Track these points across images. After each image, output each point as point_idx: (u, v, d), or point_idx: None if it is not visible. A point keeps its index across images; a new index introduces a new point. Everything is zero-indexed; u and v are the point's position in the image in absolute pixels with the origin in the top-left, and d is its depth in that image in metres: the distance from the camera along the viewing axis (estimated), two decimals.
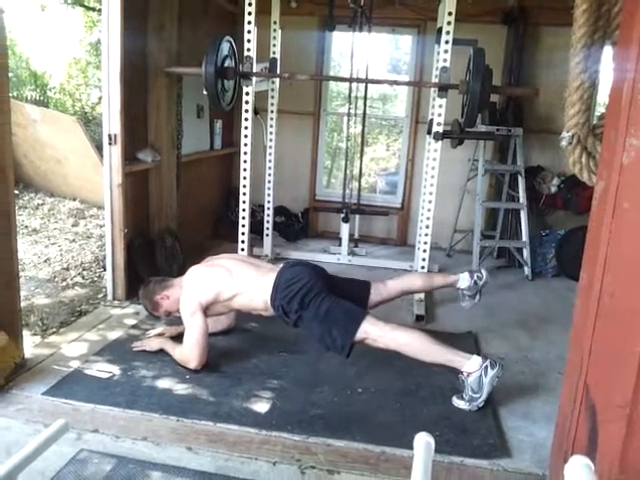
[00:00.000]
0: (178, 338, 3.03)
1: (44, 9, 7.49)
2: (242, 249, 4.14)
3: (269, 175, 4.98)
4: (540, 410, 2.70)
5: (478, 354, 2.72)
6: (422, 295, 3.98)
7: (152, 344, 3.06)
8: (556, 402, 2.23)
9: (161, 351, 3.01)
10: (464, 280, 3.22)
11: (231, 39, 3.93)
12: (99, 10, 5.06)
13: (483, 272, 3.26)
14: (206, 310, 2.89)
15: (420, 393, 2.81)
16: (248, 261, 3.13)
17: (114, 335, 3.26)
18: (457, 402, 2.66)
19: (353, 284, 3.13)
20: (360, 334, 2.65)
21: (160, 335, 3.18)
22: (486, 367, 2.59)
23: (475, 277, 3.22)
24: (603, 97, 4.54)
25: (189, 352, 2.83)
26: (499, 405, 2.74)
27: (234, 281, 2.90)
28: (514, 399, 2.80)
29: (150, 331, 3.26)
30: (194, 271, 3.02)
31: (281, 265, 3.00)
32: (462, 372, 2.63)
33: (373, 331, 2.65)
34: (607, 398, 1.75)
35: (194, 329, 2.82)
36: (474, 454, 2.32)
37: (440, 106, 3.78)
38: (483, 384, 2.58)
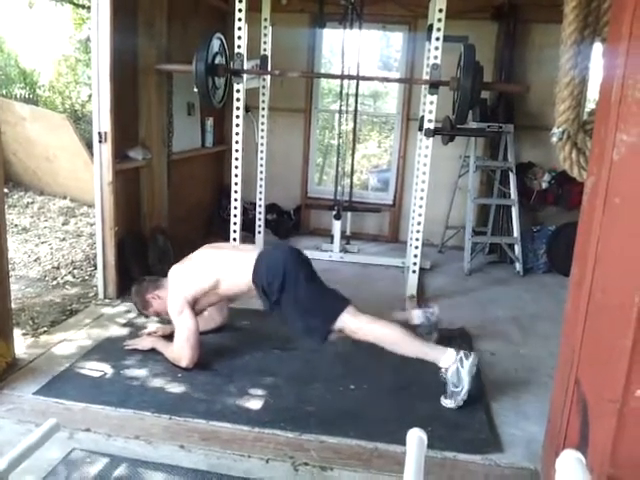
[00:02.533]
0: (171, 337, 3.02)
1: (32, 6, 7.43)
2: (234, 246, 4.12)
3: (261, 172, 4.96)
4: (532, 405, 2.72)
5: (471, 351, 2.72)
6: (414, 291, 3.99)
7: (144, 343, 3.05)
8: (548, 397, 2.25)
9: (153, 350, 3.00)
10: (417, 317, 3.20)
11: (222, 36, 3.91)
12: (88, 7, 5.02)
13: (435, 308, 3.25)
14: (194, 305, 2.88)
15: (412, 389, 2.82)
16: (226, 247, 3.17)
17: (105, 334, 3.25)
18: (444, 402, 2.65)
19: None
20: (339, 323, 2.67)
21: (152, 334, 3.16)
22: (461, 359, 2.59)
23: (427, 313, 3.22)
24: (593, 93, 4.56)
25: (180, 351, 2.83)
26: (491, 400, 2.75)
27: (213, 268, 2.89)
28: (506, 394, 2.82)
29: (143, 330, 3.25)
30: (174, 270, 2.99)
31: (262, 247, 3.01)
32: (440, 368, 2.64)
33: (352, 323, 2.67)
34: (598, 393, 1.76)
35: (183, 328, 2.81)
36: (466, 449, 2.33)
37: (431, 103, 3.78)
38: (461, 376, 2.58)
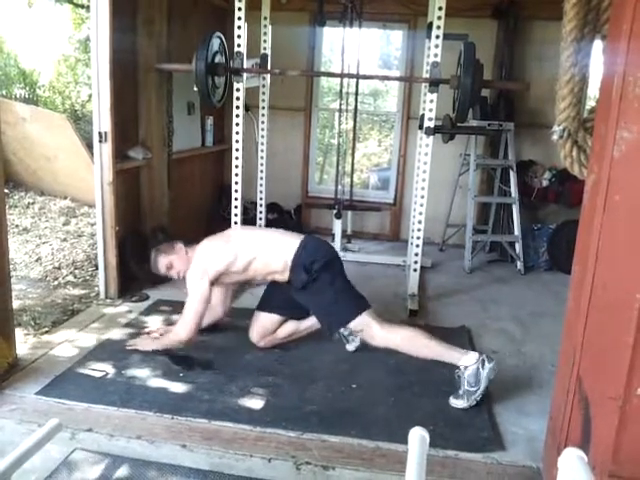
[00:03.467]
0: None
1: (31, 6, 7.42)
2: None
3: (261, 172, 4.96)
4: (534, 403, 2.72)
5: (473, 349, 2.73)
6: (415, 290, 3.99)
7: (144, 344, 3.04)
8: (549, 395, 2.25)
9: (149, 351, 3.00)
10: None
11: (221, 35, 3.91)
12: (88, 7, 5.01)
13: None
14: (214, 282, 2.92)
15: (414, 388, 2.82)
16: (261, 228, 3.15)
17: (107, 334, 3.25)
18: (455, 402, 2.63)
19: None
20: (358, 323, 2.70)
21: (152, 333, 3.17)
22: (483, 360, 2.59)
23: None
24: (594, 90, 4.55)
25: (183, 321, 2.84)
26: (493, 399, 2.75)
27: (253, 245, 2.94)
28: (508, 393, 2.82)
29: (143, 330, 3.25)
30: (206, 244, 3.02)
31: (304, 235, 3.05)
32: (459, 367, 2.62)
33: (373, 327, 2.69)
34: (600, 390, 1.76)
35: (196, 292, 2.83)
36: (468, 448, 2.33)
37: (431, 101, 3.78)
38: (481, 377, 2.57)
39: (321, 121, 6.55)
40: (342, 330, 2.97)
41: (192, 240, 3.14)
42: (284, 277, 2.89)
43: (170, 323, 3.43)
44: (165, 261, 3.06)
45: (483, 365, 2.58)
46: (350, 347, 3.11)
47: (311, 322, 3.07)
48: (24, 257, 4.52)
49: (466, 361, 2.60)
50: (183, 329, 2.86)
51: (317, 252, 2.87)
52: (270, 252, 2.90)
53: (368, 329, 2.70)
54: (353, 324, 2.72)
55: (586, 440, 1.81)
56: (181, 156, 4.73)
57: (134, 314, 3.57)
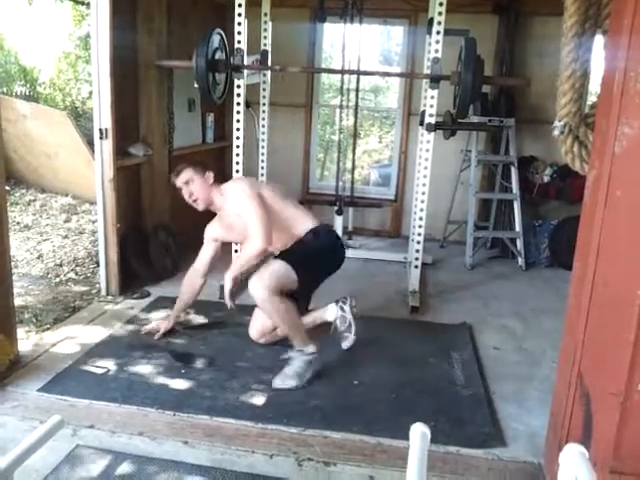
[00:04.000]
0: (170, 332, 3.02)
1: (31, 3, 7.41)
2: (236, 242, 4.12)
3: (262, 168, 4.95)
4: (535, 399, 2.72)
5: (474, 346, 2.72)
6: (417, 287, 3.99)
7: (163, 324, 3.16)
8: (551, 391, 2.25)
9: (155, 345, 3.02)
10: (332, 313, 3.06)
11: (221, 32, 3.90)
12: (88, 4, 5.00)
13: (352, 301, 3.07)
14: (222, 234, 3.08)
15: (415, 384, 2.82)
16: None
17: (108, 331, 3.26)
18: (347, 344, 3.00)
19: None
20: (282, 268, 2.73)
21: (153, 330, 3.18)
22: (341, 306, 2.97)
23: (340, 304, 3.05)
24: (595, 86, 4.54)
25: (254, 231, 2.75)
26: (494, 395, 2.75)
27: (289, 202, 3.00)
28: (509, 388, 2.82)
29: (145, 327, 3.25)
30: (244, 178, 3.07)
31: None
32: (331, 324, 2.99)
33: (274, 280, 2.68)
34: (601, 386, 1.76)
35: (253, 203, 2.78)
36: (470, 444, 2.33)
37: (432, 97, 3.77)
38: (347, 317, 2.97)
39: (322, 117, 6.54)
40: (339, 325, 3.02)
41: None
42: (281, 245, 2.90)
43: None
44: (188, 176, 2.98)
45: (343, 309, 2.98)
46: (345, 345, 3.08)
47: (312, 318, 3.06)
48: (25, 254, 4.53)
49: (331, 315, 2.99)
50: (257, 237, 2.73)
51: (326, 243, 2.96)
52: (300, 217, 2.96)
53: (272, 275, 2.67)
54: (278, 266, 2.72)
55: (587, 436, 1.81)
56: (182, 153, 4.73)
57: (135, 311, 3.57)
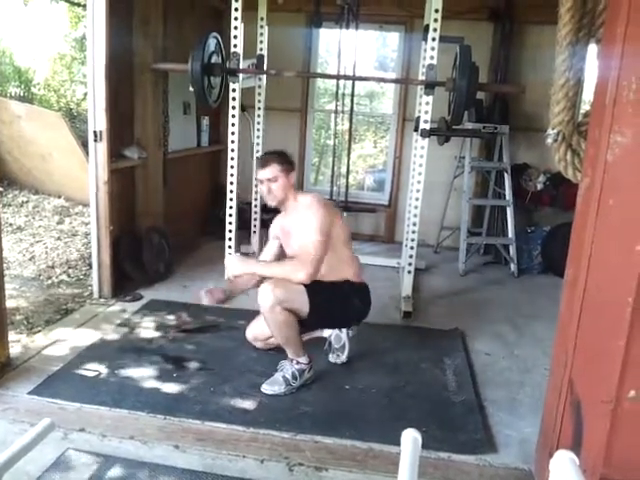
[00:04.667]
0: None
1: (27, 3, 7.40)
2: (229, 246, 4.12)
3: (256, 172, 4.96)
4: (526, 406, 2.73)
5: (466, 351, 2.72)
6: (410, 292, 3.99)
7: (217, 293, 2.92)
8: (542, 398, 2.26)
9: (147, 349, 3.00)
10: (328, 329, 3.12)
11: (217, 35, 3.91)
12: (84, 5, 5.00)
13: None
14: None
15: (407, 390, 2.82)
16: None
17: (100, 333, 3.24)
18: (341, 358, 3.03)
19: None
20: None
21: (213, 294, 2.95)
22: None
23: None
24: (588, 95, 4.57)
25: (308, 266, 2.65)
26: (485, 401, 2.76)
27: (348, 246, 2.95)
28: (501, 395, 2.83)
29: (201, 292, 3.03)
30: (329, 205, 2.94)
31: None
32: (326, 338, 3.06)
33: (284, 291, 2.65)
34: (592, 393, 1.77)
35: (321, 249, 2.69)
36: (461, 450, 2.33)
37: (427, 103, 3.79)
38: (342, 337, 3.02)
39: (317, 122, 6.55)
40: (333, 343, 3.05)
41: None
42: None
43: (164, 323, 3.43)
44: (275, 174, 2.82)
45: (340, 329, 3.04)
46: (332, 359, 3.07)
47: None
48: (18, 256, 4.51)
49: (326, 332, 3.09)
50: (304, 270, 2.65)
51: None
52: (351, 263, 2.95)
53: (287, 292, 2.63)
54: (298, 289, 2.67)
55: (578, 443, 1.81)
56: (176, 156, 4.73)
57: (128, 314, 3.56)
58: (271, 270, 2.78)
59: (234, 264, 2.82)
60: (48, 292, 3.86)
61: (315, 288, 2.71)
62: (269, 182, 2.83)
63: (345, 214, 5.35)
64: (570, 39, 1.85)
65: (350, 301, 2.87)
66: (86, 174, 3.75)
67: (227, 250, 4.10)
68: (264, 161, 2.89)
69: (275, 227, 3.08)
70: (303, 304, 2.67)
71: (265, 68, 4.63)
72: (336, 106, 5.08)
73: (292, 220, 2.90)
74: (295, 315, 2.68)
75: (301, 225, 2.79)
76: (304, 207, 2.82)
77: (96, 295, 3.77)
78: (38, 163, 5.92)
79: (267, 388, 2.70)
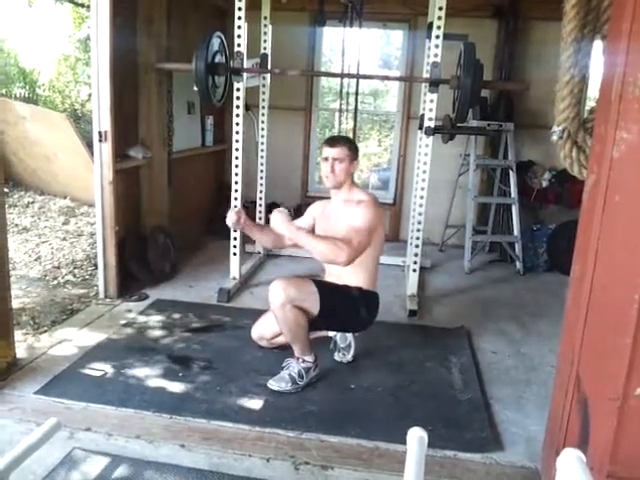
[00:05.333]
0: None
1: (31, 5, 7.43)
2: (234, 246, 4.12)
3: (261, 171, 4.96)
4: (533, 403, 2.72)
5: (472, 350, 2.71)
6: (415, 290, 3.99)
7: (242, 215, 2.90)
8: (548, 396, 2.25)
9: (153, 348, 3.00)
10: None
11: (221, 35, 3.91)
12: (88, 6, 5.01)
13: None
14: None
15: (413, 388, 2.82)
16: None
17: (106, 333, 3.25)
18: (337, 356, 3.04)
19: None
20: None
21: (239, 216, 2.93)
22: None
23: None
24: (593, 91, 4.55)
25: (351, 250, 2.65)
26: (492, 399, 2.75)
27: (377, 256, 2.94)
28: (507, 393, 2.82)
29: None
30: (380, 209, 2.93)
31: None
32: (332, 336, 3.04)
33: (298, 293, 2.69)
34: (598, 391, 1.76)
35: (363, 241, 2.72)
36: (467, 448, 2.32)
37: (431, 101, 3.78)
38: (347, 336, 3.00)
39: (321, 121, 6.55)
40: (339, 342, 3.04)
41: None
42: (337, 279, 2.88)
43: (170, 322, 3.44)
44: (343, 155, 2.84)
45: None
46: (338, 357, 3.07)
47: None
48: (24, 256, 4.53)
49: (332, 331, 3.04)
50: (346, 252, 2.63)
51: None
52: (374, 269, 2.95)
53: (298, 289, 2.66)
54: (310, 288, 2.71)
55: (584, 441, 1.81)
56: (181, 155, 4.73)
57: (133, 314, 3.57)
58: (313, 242, 2.73)
59: (278, 220, 2.75)
60: (54, 292, 3.87)
61: (327, 291, 2.75)
62: (334, 161, 2.84)
63: None
64: (575, 35, 1.85)
65: (357, 310, 2.87)
66: (91, 174, 3.76)
67: (232, 250, 4.10)
68: (335, 141, 2.91)
69: (316, 208, 3.10)
70: (314, 305, 2.69)
71: (269, 67, 4.62)
72: (340, 105, 5.07)
73: (337, 208, 2.92)
74: (305, 314, 2.69)
75: (346, 216, 2.82)
76: (357, 201, 2.85)
77: (102, 295, 3.78)
78: (43, 164, 5.95)
79: (273, 384, 2.71)
